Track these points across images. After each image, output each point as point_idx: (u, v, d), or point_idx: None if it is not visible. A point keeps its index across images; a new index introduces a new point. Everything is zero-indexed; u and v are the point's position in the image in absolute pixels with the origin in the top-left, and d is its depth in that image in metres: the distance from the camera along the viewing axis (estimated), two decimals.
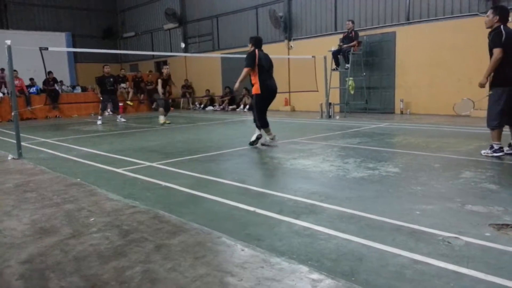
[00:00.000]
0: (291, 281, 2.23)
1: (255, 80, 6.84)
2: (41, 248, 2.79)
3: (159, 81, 11.35)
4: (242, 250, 2.66)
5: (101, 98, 13.26)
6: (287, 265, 2.41)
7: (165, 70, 11.57)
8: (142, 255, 2.62)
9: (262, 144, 7.04)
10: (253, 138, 7.00)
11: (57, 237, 2.99)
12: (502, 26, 5.26)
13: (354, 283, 2.19)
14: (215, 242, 2.81)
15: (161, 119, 11.52)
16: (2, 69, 15.68)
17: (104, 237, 2.95)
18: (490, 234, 2.84)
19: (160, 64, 21.44)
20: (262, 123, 7.00)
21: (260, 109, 7.00)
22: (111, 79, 12.90)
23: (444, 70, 11.36)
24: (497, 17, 5.30)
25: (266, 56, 7.04)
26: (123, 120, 13.08)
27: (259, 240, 2.84)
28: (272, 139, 7.07)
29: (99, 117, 12.79)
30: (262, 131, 7.06)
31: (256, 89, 6.86)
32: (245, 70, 6.85)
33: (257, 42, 7.07)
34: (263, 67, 6.85)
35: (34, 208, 3.72)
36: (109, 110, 16.72)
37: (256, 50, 6.88)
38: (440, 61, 11.44)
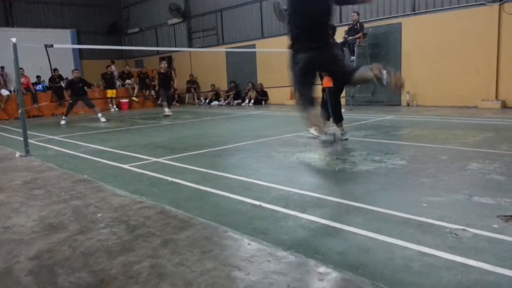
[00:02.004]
0: (298, 274, 2.23)
1: None
2: (50, 244, 2.82)
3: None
4: (249, 244, 2.66)
5: (69, 100, 12.52)
6: (294, 259, 2.41)
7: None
8: (150, 250, 2.64)
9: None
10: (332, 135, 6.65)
11: (65, 233, 3.01)
12: None
13: (361, 276, 2.19)
14: (221, 237, 2.81)
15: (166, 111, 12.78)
16: (2, 67, 15.70)
17: (112, 233, 2.97)
18: (498, 225, 2.82)
19: (164, 59, 21.46)
20: (339, 118, 6.66)
21: (335, 102, 6.67)
22: (80, 84, 12.18)
23: (451, 61, 11.26)
24: None
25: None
26: (103, 119, 12.14)
27: (266, 234, 2.84)
28: (342, 134, 6.62)
29: (64, 117, 12.08)
30: (331, 127, 6.54)
31: (328, 82, 6.52)
32: None
33: (335, 31, 6.50)
34: None
35: (42, 205, 3.75)
36: (114, 106, 16.81)
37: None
38: (447, 52, 11.33)
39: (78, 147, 7.11)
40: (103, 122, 11.82)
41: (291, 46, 3.96)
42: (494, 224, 2.85)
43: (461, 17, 10.93)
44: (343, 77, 4.25)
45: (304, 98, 3.90)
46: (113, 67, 18.34)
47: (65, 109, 12.52)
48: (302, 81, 3.94)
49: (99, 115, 12.20)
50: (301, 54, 3.87)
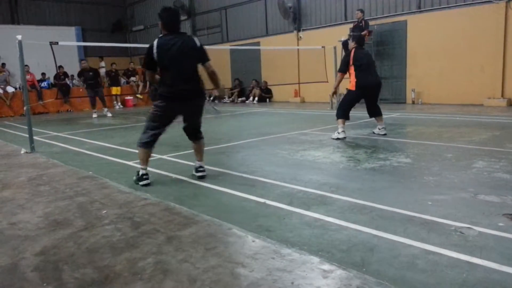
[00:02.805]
0: (302, 272, 2.23)
1: (352, 77, 6.66)
2: (55, 240, 2.83)
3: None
4: (253, 241, 2.66)
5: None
6: (298, 256, 2.41)
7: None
8: (154, 246, 2.64)
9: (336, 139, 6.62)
10: (337, 135, 6.60)
11: (70, 229, 3.03)
12: None
13: (365, 274, 2.18)
14: (226, 234, 2.82)
15: None
16: (3, 64, 15.69)
17: (117, 229, 2.98)
18: (503, 224, 2.81)
19: None
20: (343, 115, 6.71)
21: (348, 103, 6.79)
22: (90, 73, 12.62)
23: (456, 59, 11.19)
24: None
25: (365, 53, 6.87)
26: (109, 114, 12.93)
27: (270, 231, 2.84)
28: (342, 131, 6.60)
29: (94, 111, 12.76)
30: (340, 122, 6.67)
31: (351, 86, 6.69)
32: (339, 75, 6.87)
33: (361, 41, 6.93)
34: (361, 65, 6.60)
35: (47, 201, 3.77)
36: (119, 104, 16.87)
37: (353, 50, 6.68)
38: (452, 50, 11.26)
39: (83, 144, 7.14)
40: (109, 116, 12.67)
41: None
42: (500, 222, 2.84)
43: (467, 14, 10.86)
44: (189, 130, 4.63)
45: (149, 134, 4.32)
46: (102, 63, 18.47)
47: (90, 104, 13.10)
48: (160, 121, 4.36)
49: (105, 109, 13.09)
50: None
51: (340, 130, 6.64)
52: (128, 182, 4.32)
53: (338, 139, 6.56)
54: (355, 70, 6.62)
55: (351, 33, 12.27)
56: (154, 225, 3.03)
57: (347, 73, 6.74)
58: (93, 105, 12.97)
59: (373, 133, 6.93)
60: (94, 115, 12.55)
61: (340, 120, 6.70)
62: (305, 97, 15.31)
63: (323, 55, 12.13)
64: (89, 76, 12.59)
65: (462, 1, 11.00)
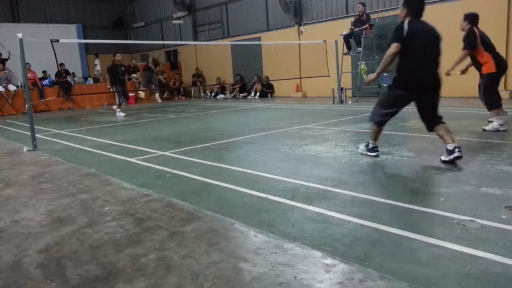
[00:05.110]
0: (305, 266, 2.23)
1: (486, 58, 6.33)
2: (58, 237, 2.84)
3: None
4: (255, 236, 2.67)
5: (113, 89, 12.64)
6: (301, 251, 2.42)
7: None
8: (157, 242, 2.65)
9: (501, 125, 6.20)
10: (493, 127, 6.15)
11: (73, 226, 3.04)
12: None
13: (368, 268, 2.18)
14: (228, 229, 2.82)
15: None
16: (3, 61, 15.62)
17: (119, 226, 2.99)
18: (506, 216, 2.80)
19: (170, 53, 21.46)
20: (497, 104, 6.30)
21: (495, 90, 6.40)
22: (122, 68, 12.40)
23: (457, 51, 11.09)
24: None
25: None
26: (122, 114, 11.89)
27: (272, 226, 2.84)
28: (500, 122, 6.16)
29: (118, 110, 11.91)
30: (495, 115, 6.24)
31: (490, 68, 6.25)
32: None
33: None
34: (487, 44, 6.33)
35: (50, 199, 3.78)
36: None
37: (476, 29, 6.35)
38: (454, 43, 11.13)
39: (85, 141, 7.15)
40: (122, 116, 11.61)
41: None
42: (503, 214, 2.83)
43: (469, 6, 10.69)
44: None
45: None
46: (96, 61, 18.55)
47: (117, 102, 12.45)
48: None
49: (118, 110, 12.13)
50: None
51: (498, 120, 6.17)
52: (130, 179, 4.33)
53: (498, 131, 6.07)
54: (486, 50, 6.37)
55: (353, 27, 12.26)
56: (157, 221, 3.04)
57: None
58: (120, 102, 12.26)
59: (484, 130, 6.25)
60: (122, 114, 11.63)
61: (493, 112, 6.28)
62: (306, 91, 15.28)
63: (324, 49, 12.09)
64: (121, 71, 12.24)
65: None
